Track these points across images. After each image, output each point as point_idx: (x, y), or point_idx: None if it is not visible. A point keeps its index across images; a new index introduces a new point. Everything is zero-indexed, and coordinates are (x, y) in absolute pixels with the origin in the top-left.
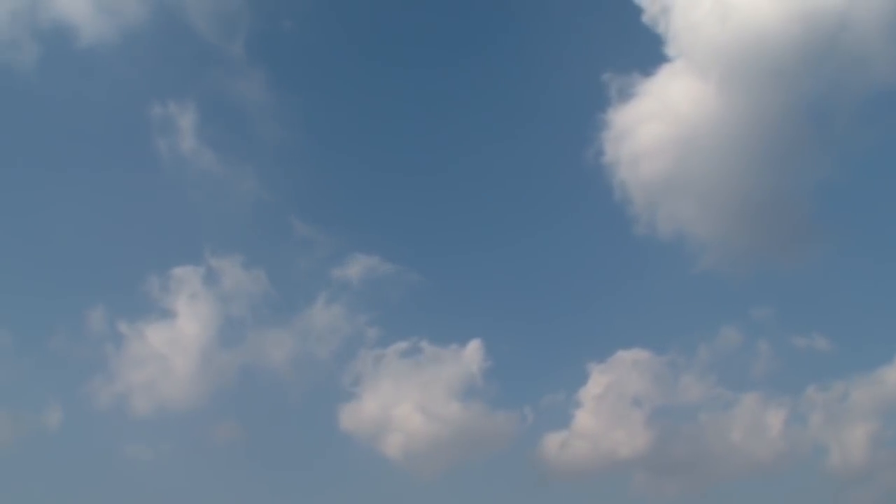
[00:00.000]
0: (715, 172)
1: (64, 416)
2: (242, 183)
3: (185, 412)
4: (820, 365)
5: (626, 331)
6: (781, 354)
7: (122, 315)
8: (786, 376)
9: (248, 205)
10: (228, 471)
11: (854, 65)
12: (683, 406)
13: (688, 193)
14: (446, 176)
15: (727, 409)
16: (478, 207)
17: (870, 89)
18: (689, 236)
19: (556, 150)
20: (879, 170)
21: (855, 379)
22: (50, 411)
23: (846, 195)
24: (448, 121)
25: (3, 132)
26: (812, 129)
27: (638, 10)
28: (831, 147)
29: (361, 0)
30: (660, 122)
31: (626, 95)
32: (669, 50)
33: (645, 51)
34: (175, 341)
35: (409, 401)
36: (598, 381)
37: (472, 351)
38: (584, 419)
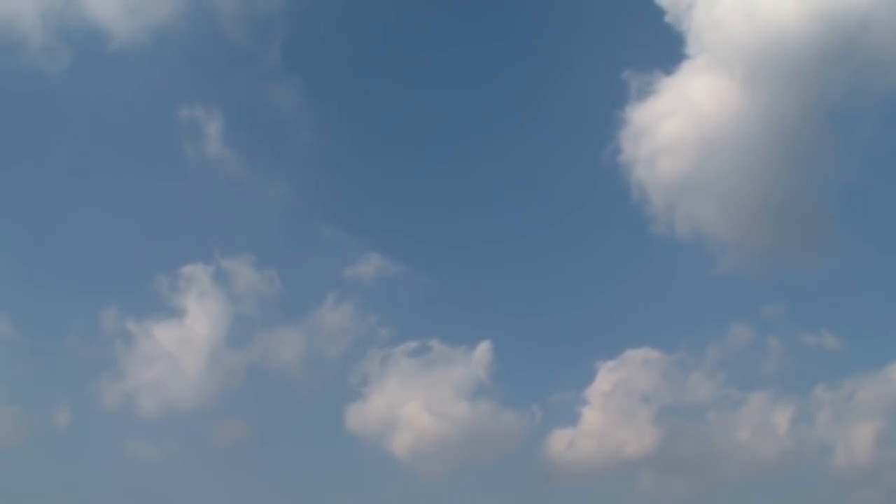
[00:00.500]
0: (733, 172)
1: (73, 414)
2: (255, 183)
3: (192, 411)
4: (828, 363)
5: (635, 329)
6: (791, 353)
7: (134, 314)
8: (794, 375)
9: (259, 204)
10: (236, 469)
11: (875, 67)
12: (691, 405)
13: (706, 193)
14: (461, 175)
15: (735, 409)
16: (492, 206)
17: (891, 92)
18: (706, 236)
19: (573, 148)
20: None
21: (862, 377)
22: (59, 410)
23: (865, 197)
24: (467, 120)
25: (30, 133)
26: (832, 131)
27: (660, 8)
28: (852, 149)
29: (390, 7)
30: (679, 121)
31: (645, 93)
32: (690, 48)
33: (666, 48)
34: (184, 340)
35: (417, 400)
36: (607, 380)
37: (482, 351)
38: (591, 418)
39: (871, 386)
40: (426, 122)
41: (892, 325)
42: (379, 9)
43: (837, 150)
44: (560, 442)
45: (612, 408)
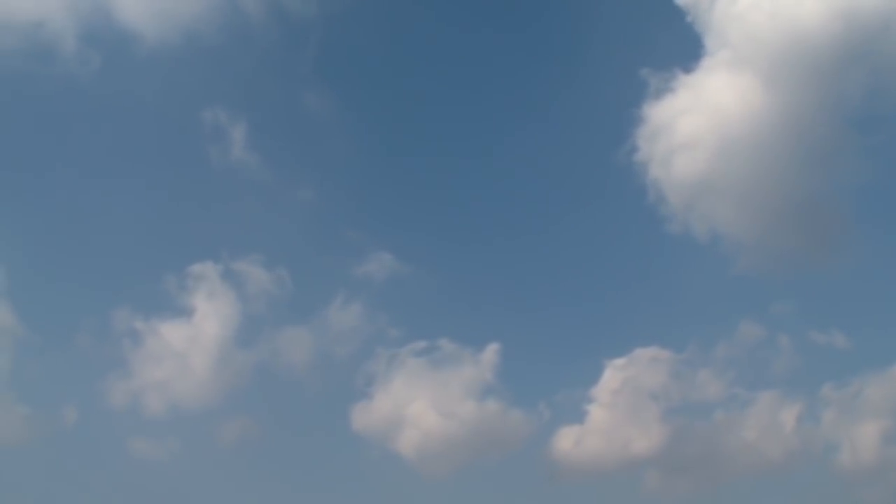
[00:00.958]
0: (750, 171)
1: (81, 413)
2: (266, 182)
3: (200, 410)
4: (837, 363)
5: (645, 328)
6: (800, 352)
7: (143, 313)
8: (803, 374)
9: (268, 204)
10: (243, 468)
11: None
12: (699, 404)
13: (722, 192)
14: (474, 173)
15: (743, 408)
16: (505, 205)
17: None
18: (721, 236)
19: (590, 147)
20: None
21: (870, 376)
22: (67, 408)
23: (883, 199)
24: (482, 118)
25: (53, 134)
26: (851, 131)
27: (680, 6)
28: (870, 150)
29: (420, 18)
30: (697, 119)
31: (664, 91)
32: (710, 46)
33: (685, 46)
34: (192, 339)
35: (425, 400)
36: (615, 379)
37: (490, 350)
38: (598, 416)
39: (879, 385)
40: (440, 120)
41: None
42: (407, 14)
43: (855, 152)
44: (567, 441)
45: (620, 406)
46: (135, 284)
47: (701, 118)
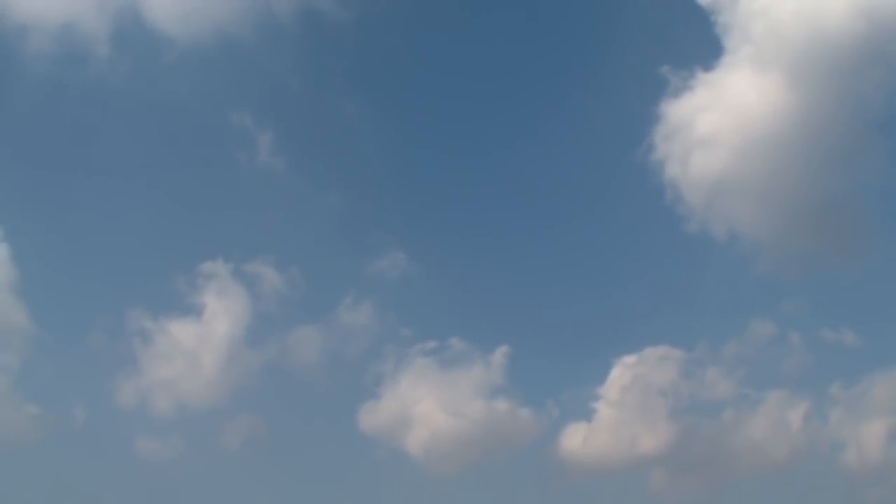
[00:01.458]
0: (769, 171)
1: (90, 411)
2: (279, 182)
3: (208, 409)
4: (847, 362)
5: (655, 326)
6: (810, 350)
7: (152, 312)
8: (812, 372)
9: (280, 203)
10: (251, 467)
11: None
12: (707, 403)
13: (741, 191)
14: (488, 172)
15: (752, 407)
16: (518, 203)
17: None
18: (738, 235)
19: (607, 145)
20: None
21: (878, 375)
22: (77, 407)
23: None
24: (499, 116)
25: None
26: (871, 132)
27: (701, 3)
28: (891, 152)
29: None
30: (717, 117)
31: (684, 89)
32: (731, 43)
33: (705, 44)
34: (202, 338)
35: (433, 399)
36: (624, 377)
37: (500, 349)
38: (606, 415)
39: (886, 384)
40: (457, 118)
41: None
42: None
43: (876, 153)
44: (574, 439)
45: (628, 405)
46: (146, 284)
47: (721, 116)
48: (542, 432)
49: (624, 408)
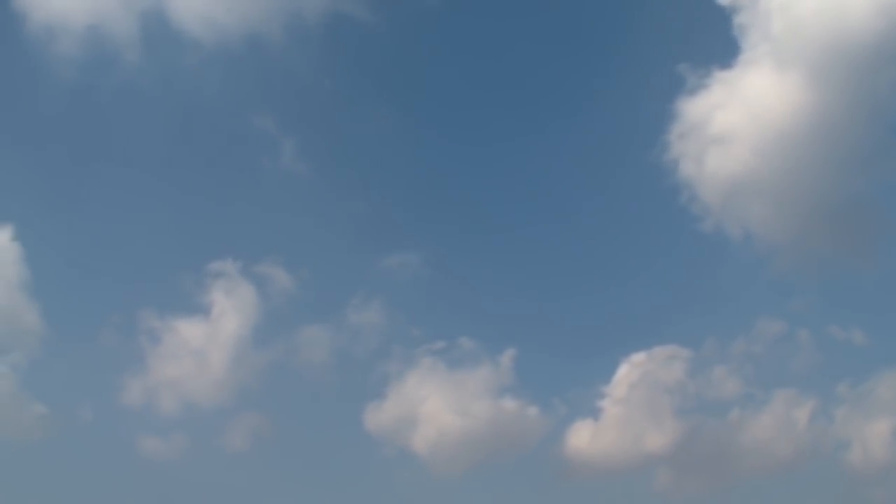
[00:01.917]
0: (787, 171)
1: (97, 410)
2: (290, 182)
3: (213, 408)
4: (854, 359)
5: (663, 326)
6: (818, 350)
7: (159, 310)
8: (820, 371)
9: (290, 203)
10: (257, 464)
11: None
12: (714, 402)
13: (757, 190)
14: (502, 172)
15: (759, 406)
16: (530, 201)
17: None
18: (753, 235)
19: (622, 144)
20: None
21: (884, 374)
22: (85, 406)
23: None
24: (513, 115)
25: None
26: (892, 134)
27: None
28: None
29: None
30: (735, 115)
31: (701, 87)
32: (750, 41)
33: (724, 41)
34: (210, 337)
35: (441, 398)
36: (631, 375)
37: (509, 348)
38: (612, 414)
39: (891, 383)
40: (469, 117)
41: None
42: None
43: (894, 153)
44: (581, 438)
45: (635, 403)
46: (155, 283)
47: (738, 115)
48: (549, 431)
49: (631, 406)
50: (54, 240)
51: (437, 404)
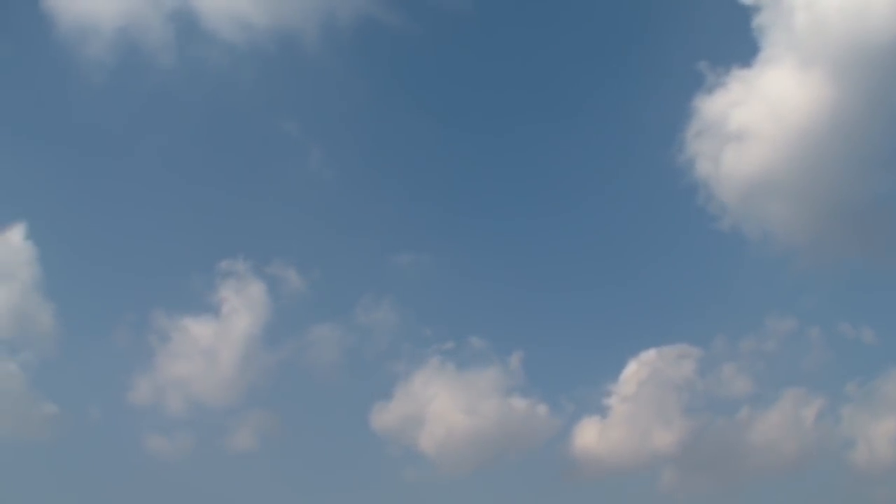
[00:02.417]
0: (807, 170)
1: (106, 409)
2: (299, 182)
3: (222, 408)
4: (862, 359)
5: (672, 324)
6: (828, 348)
7: (167, 310)
8: (828, 370)
9: (299, 202)
10: (265, 463)
11: None
12: (723, 401)
13: (775, 189)
14: (513, 171)
15: (767, 405)
16: (544, 201)
17: None
18: (772, 235)
19: (639, 142)
20: None
21: (891, 373)
22: (94, 405)
23: None
24: (531, 112)
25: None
26: None
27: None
28: None
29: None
30: (754, 114)
31: (719, 85)
32: (770, 38)
33: (744, 39)
34: (220, 336)
35: (450, 397)
36: (639, 374)
37: (518, 347)
38: (620, 412)
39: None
40: (484, 117)
41: None
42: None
43: None
44: (588, 436)
45: (644, 401)
46: (166, 282)
47: (758, 113)
48: (556, 429)
49: (639, 404)
50: (67, 239)
51: (446, 403)
